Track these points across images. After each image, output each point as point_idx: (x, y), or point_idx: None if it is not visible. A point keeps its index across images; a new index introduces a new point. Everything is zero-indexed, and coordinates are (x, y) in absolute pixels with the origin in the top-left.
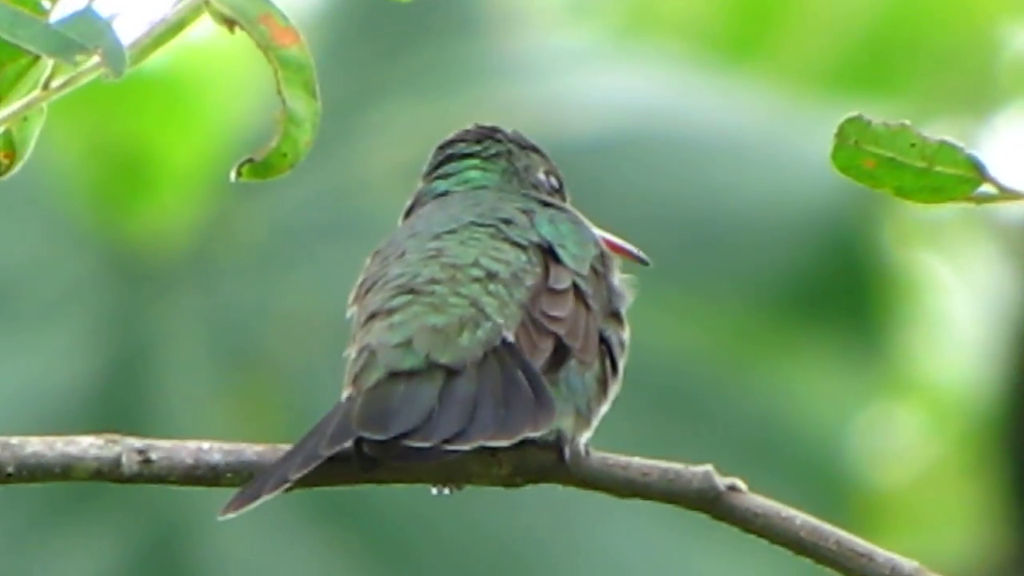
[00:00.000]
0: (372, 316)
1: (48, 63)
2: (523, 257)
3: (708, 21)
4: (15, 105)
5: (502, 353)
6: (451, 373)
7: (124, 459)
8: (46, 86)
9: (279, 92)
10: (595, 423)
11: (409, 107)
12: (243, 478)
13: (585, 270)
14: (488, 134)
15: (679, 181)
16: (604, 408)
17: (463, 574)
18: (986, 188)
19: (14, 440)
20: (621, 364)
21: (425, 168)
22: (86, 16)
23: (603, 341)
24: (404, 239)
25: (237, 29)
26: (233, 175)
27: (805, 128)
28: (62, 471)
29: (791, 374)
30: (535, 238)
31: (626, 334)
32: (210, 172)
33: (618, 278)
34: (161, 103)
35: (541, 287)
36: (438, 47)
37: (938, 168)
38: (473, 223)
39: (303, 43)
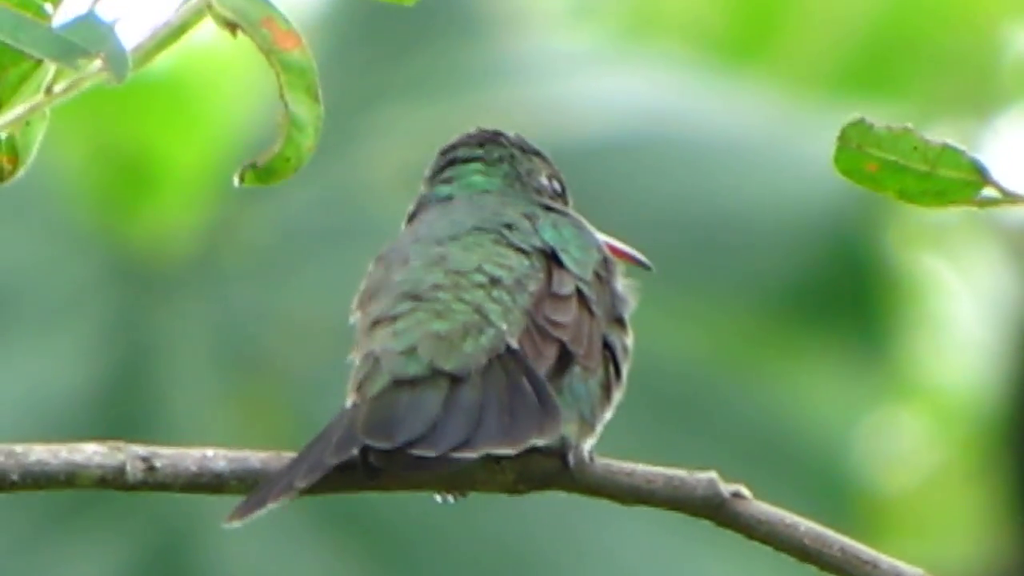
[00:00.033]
0: (376, 323)
1: (51, 68)
2: (526, 262)
3: (710, 23)
4: (18, 110)
5: (506, 360)
6: (455, 380)
7: (128, 467)
8: (49, 91)
9: (281, 96)
10: (599, 429)
11: (412, 110)
12: (248, 486)
13: (588, 275)
14: (491, 138)
15: (681, 184)
16: (608, 414)
17: None
18: (989, 192)
19: (18, 448)
20: (625, 370)
21: (428, 172)
22: (89, 20)
23: (607, 347)
24: (407, 245)
25: (239, 33)
26: (236, 180)
27: (808, 130)
28: (66, 479)
29: (795, 378)
30: (538, 243)
31: (629, 339)
32: (214, 176)
33: (621, 283)
34: (165, 107)
35: (544, 292)
36: (440, 50)
37: (941, 172)
38: (476, 228)
39: (305, 47)
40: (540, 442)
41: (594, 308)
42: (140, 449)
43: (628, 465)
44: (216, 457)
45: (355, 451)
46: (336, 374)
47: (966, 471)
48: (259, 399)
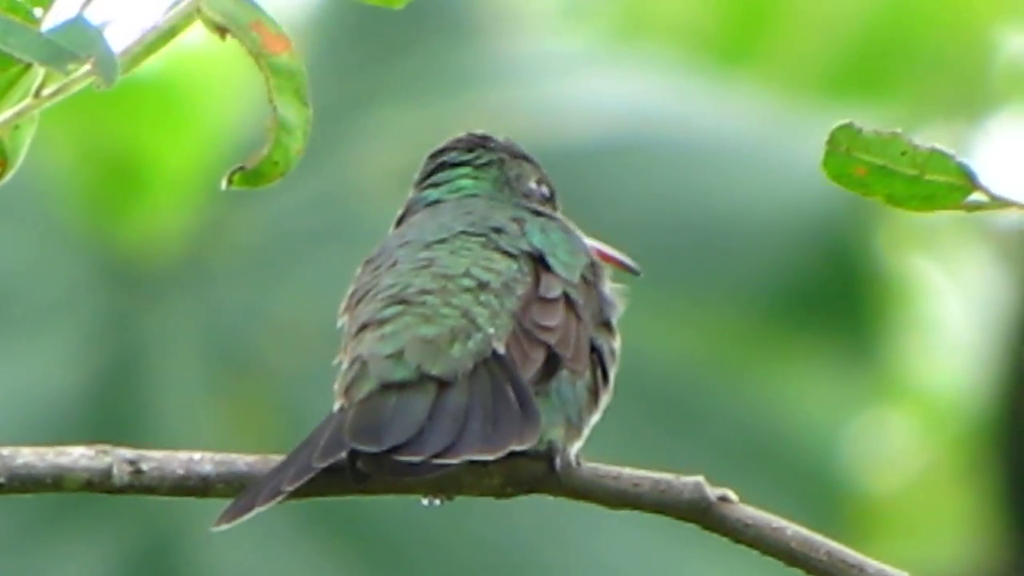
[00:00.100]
0: (363, 327)
1: (39, 71)
2: (514, 266)
3: (702, 25)
4: (7, 113)
5: (492, 365)
6: (442, 385)
7: (115, 470)
8: (37, 94)
9: (270, 100)
10: (586, 433)
11: (402, 112)
12: (234, 489)
13: (576, 279)
14: (480, 143)
15: (672, 186)
16: (595, 418)
17: None
18: (977, 196)
19: (5, 451)
20: (612, 374)
21: (416, 176)
22: (78, 24)
23: (594, 350)
24: (395, 248)
25: (228, 36)
26: (224, 183)
27: (799, 132)
28: (53, 482)
29: (784, 380)
30: (526, 247)
31: (617, 343)
32: (204, 177)
33: (609, 287)
34: (155, 108)
35: (532, 296)
36: (431, 52)
37: (929, 176)
38: (464, 232)
39: (294, 50)
40: (519, 448)
41: (581, 312)
42: (127, 452)
43: (615, 469)
44: (203, 460)
45: (342, 455)
46: (326, 375)
47: (955, 473)
48: (248, 400)
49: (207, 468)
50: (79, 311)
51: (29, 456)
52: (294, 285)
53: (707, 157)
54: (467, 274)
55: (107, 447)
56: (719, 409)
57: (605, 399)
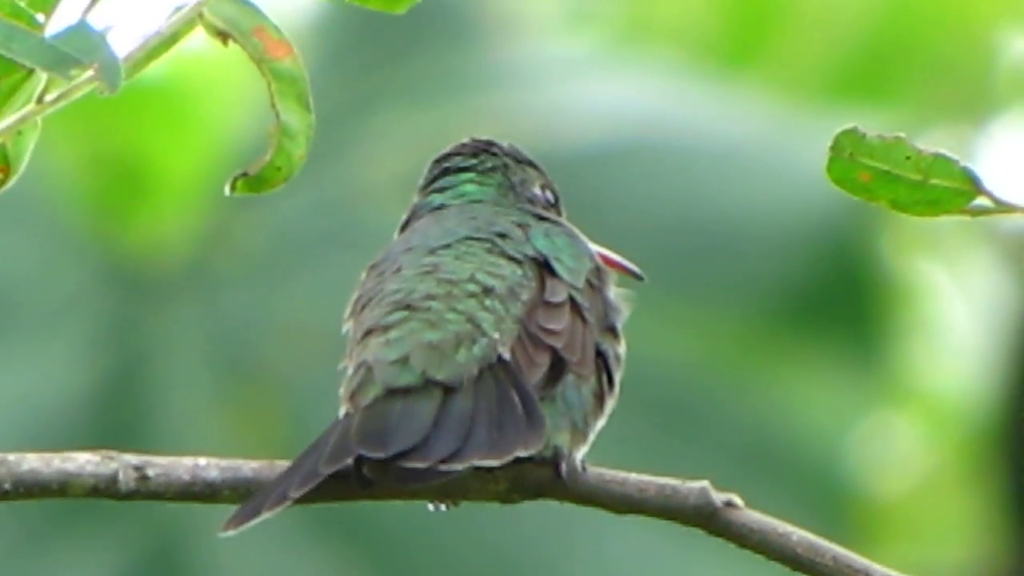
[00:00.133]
0: (368, 332)
1: (42, 77)
2: (519, 271)
3: (705, 29)
4: (10, 119)
5: (497, 370)
6: (448, 390)
7: (121, 476)
8: (40, 100)
9: (273, 105)
10: (592, 438)
11: (406, 116)
12: (240, 495)
13: (581, 283)
14: (484, 148)
15: (676, 190)
16: (601, 423)
17: None
18: (982, 201)
19: (11, 457)
20: (617, 378)
21: (421, 182)
22: (81, 30)
23: (600, 355)
24: (400, 253)
25: (230, 42)
26: (227, 189)
27: (803, 136)
28: (59, 488)
29: (789, 384)
30: (531, 252)
31: (622, 348)
32: (208, 182)
33: (613, 292)
34: (159, 113)
35: (537, 301)
36: (435, 56)
37: (933, 181)
38: (469, 237)
39: (296, 56)
40: (524, 454)
41: (587, 316)
42: (133, 458)
43: (620, 474)
44: (209, 466)
45: (349, 460)
46: (330, 379)
47: (961, 476)
48: (253, 404)
49: (213, 474)
50: (84, 316)
51: (35, 462)
52: (299, 289)
53: (711, 161)
54: (472, 279)
55: (113, 453)
56: (724, 414)
57: (611, 404)
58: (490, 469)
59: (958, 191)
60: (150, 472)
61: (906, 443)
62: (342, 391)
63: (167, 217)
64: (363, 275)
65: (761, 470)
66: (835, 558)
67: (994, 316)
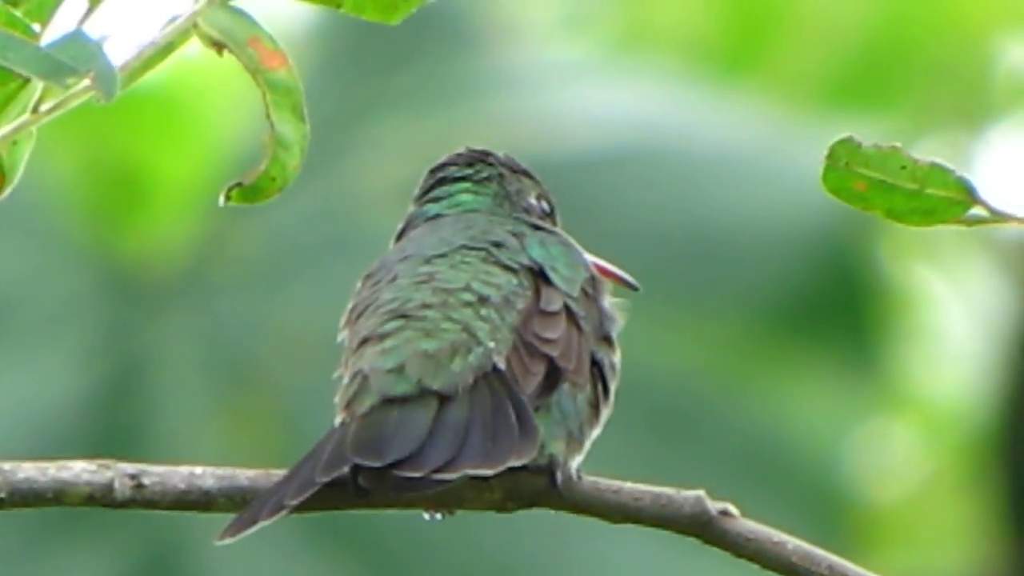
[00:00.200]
0: (364, 341)
1: (38, 86)
2: (514, 280)
3: (703, 35)
4: (5, 129)
5: (492, 380)
6: (443, 399)
7: (116, 484)
8: (35, 109)
9: (267, 116)
10: (587, 447)
11: (403, 123)
12: (236, 504)
13: (576, 292)
14: (480, 158)
15: (673, 196)
16: (596, 432)
17: None
18: (977, 211)
19: (7, 465)
20: (613, 387)
21: (416, 191)
22: (77, 39)
23: (595, 364)
24: (395, 263)
25: (225, 52)
26: (222, 199)
27: (800, 143)
28: (55, 496)
29: (786, 391)
30: (526, 261)
31: (617, 358)
32: (205, 189)
33: (609, 302)
34: (156, 120)
35: (533, 310)
36: (431, 63)
37: (929, 190)
38: (464, 247)
39: (291, 66)
40: (517, 463)
41: (582, 324)
42: (128, 467)
43: (615, 483)
44: (204, 475)
45: (345, 469)
46: (327, 387)
47: (957, 483)
48: (250, 412)
49: (209, 482)
50: (81, 323)
51: (31, 471)
52: (295, 297)
53: (708, 168)
54: (467, 288)
55: (109, 461)
56: (720, 422)
57: (606, 413)
58: (485, 478)
59: (954, 201)
60: (146, 481)
61: (903, 450)
62: (338, 399)
63: (164, 224)
64: (358, 284)
65: (758, 477)
66: (830, 567)
67: (991, 323)
